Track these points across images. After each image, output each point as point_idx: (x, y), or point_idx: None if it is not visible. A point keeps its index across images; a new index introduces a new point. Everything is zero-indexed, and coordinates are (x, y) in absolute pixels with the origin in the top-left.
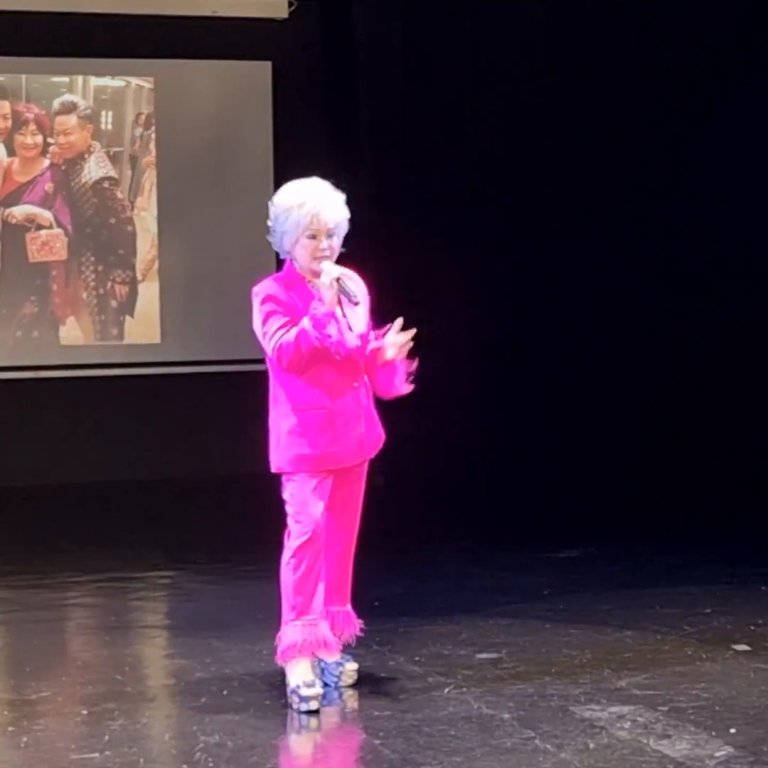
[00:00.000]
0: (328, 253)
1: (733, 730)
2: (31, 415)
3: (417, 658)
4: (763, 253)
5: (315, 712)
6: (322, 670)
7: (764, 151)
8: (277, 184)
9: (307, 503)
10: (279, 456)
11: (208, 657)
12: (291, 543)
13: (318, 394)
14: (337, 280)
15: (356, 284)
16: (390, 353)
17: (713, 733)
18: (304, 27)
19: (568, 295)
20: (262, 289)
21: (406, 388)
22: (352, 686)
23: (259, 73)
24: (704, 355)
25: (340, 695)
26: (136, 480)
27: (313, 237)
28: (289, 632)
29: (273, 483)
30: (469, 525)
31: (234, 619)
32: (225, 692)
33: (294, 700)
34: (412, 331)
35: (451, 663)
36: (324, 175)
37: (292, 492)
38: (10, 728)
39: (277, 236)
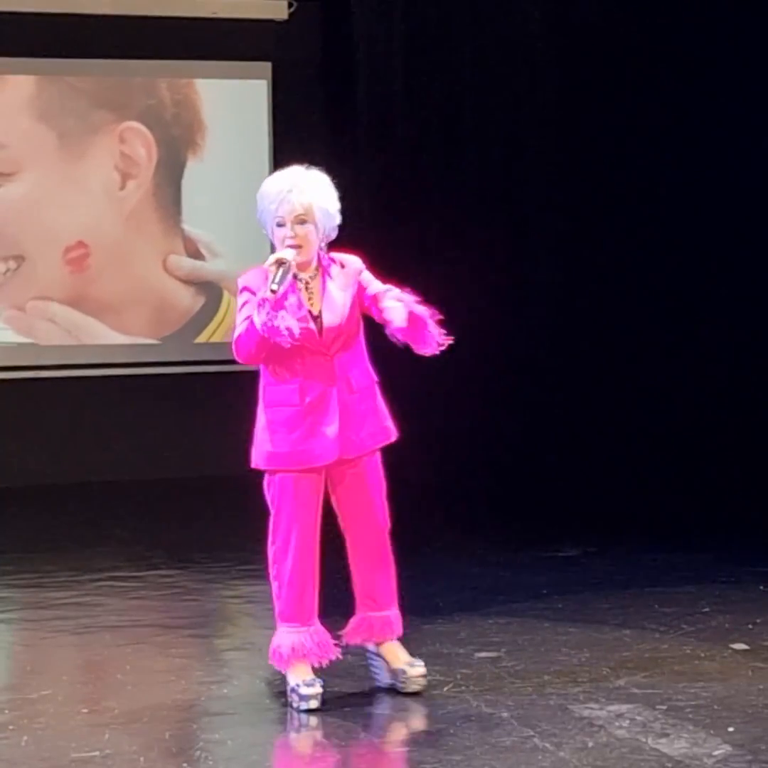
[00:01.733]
0: (297, 240)
1: (731, 729)
2: (31, 415)
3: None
4: None
5: (315, 711)
6: (389, 673)
7: None
8: None
9: (284, 503)
10: (254, 452)
11: (208, 657)
12: (269, 549)
13: (288, 392)
14: (280, 263)
15: (345, 269)
16: (397, 316)
17: (711, 732)
18: (304, 27)
19: (568, 294)
20: (242, 279)
21: (431, 348)
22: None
23: (259, 74)
24: (704, 356)
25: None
26: (136, 480)
27: (282, 225)
28: (276, 637)
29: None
30: (469, 524)
31: (234, 619)
32: (225, 691)
33: (294, 699)
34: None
35: (451, 662)
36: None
37: (270, 491)
38: (11, 727)
39: (263, 228)
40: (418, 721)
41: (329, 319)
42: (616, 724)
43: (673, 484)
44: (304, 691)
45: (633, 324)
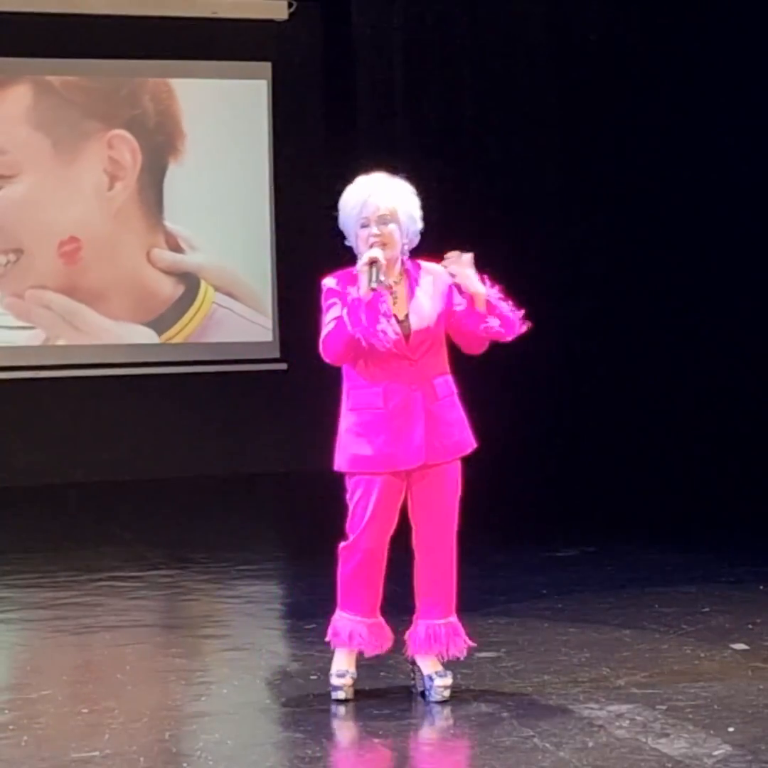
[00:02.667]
0: (382, 238)
1: (731, 729)
2: (31, 415)
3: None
4: None
5: (344, 702)
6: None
7: None
8: (277, 185)
9: (363, 504)
10: (338, 454)
11: (208, 657)
12: (343, 542)
13: (373, 395)
14: (372, 263)
15: (434, 277)
16: (469, 284)
17: (711, 732)
18: (304, 28)
19: (568, 294)
20: (325, 282)
21: (513, 330)
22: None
23: (259, 74)
24: (704, 357)
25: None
26: (136, 480)
27: (366, 225)
28: (335, 620)
29: (272, 483)
30: (470, 524)
31: (234, 619)
32: (225, 691)
33: (330, 687)
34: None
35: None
36: (323, 175)
37: (350, 492)
38: (11, 727)
39: (347, 238)
40: (418, 721)
41: (417, 324)
42: (616, 724)
43: (673, 484)
44: (334, 681)
45: (633, 325)
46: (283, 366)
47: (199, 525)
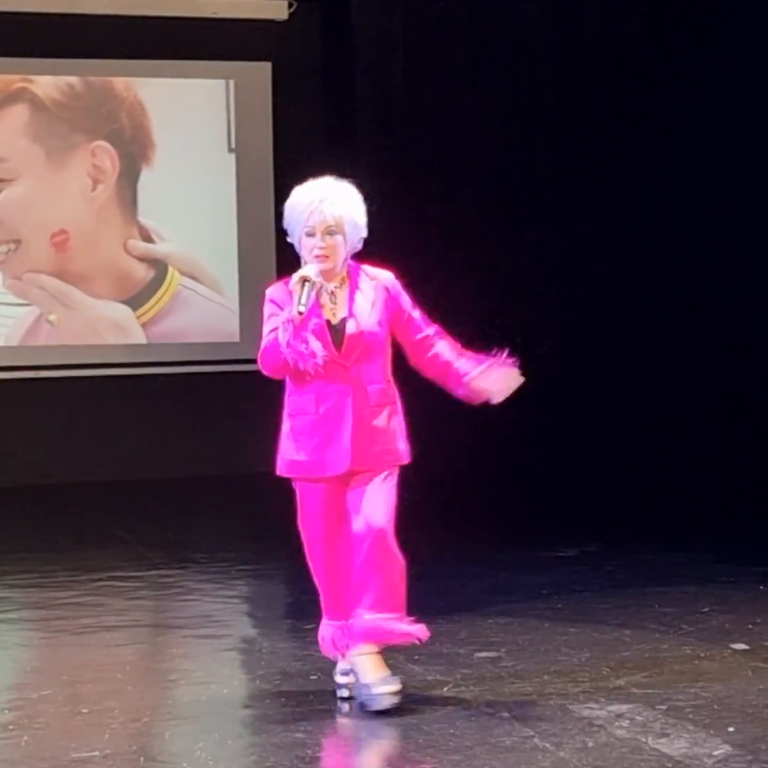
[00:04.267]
0: (324, 251)
1: (731, 729)
2: (31, 415)
3: (416, 657)
4: None
5: (347, 699)
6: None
7: None
8: (277, 185)
9: (303, 510)
10: (278, 459)
11: (208, 657)
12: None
13: (306, 400)
14: (304, 282)
15: (375, 282)
16: (481, 385)
17: (711, 732)
18: (304, 28)
19: (568, 294)
20: (270, 290)
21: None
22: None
23: (259, 74)
24: (704, 357)
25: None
26: (136, 480)
27: (311, 234)
28: (321, 629)
29: (272, 483)
30: (469, 524)
31: (234, 619)
32: (225, 691)
33: (335, 686)
34: (515, 373)
35: (451, 662)
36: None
37: (297, 497)
38: (11, 727)
39: (290, 237)
40: (418, 721)
41: (352, 328)
42: (616, 723)
43: (673, 485)
44: (338, 679)
45: (633, 325)
46: None
47: (199, 525)
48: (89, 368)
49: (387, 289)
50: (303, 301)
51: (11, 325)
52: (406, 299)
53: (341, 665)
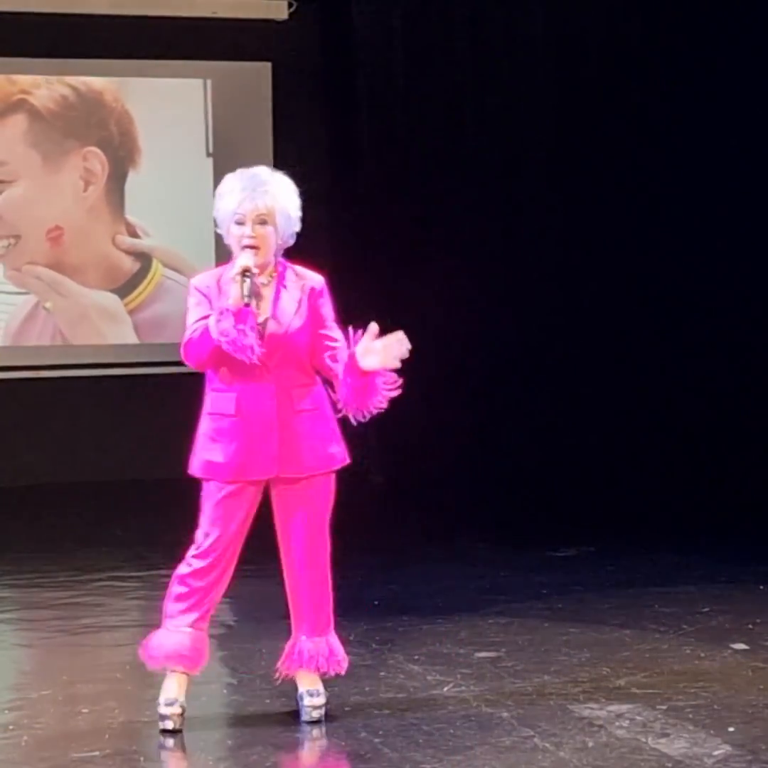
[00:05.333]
0: (254, 241)
1: (731, 729)
2: (31, 415)
3: (416, 657)
4: None
5: (174, 732)
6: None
7: None
8: None
9: (211, 513)
10: (193, 459)
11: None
12: (191, 547)
13: (227, 400)
14: (245, 273)
15: (302, 281)
16: (369, 362)
17: (711, 732)
18: (304, 28)
19: (567, 296)
20: (194, 280)
21: (376, 406)
22: (321, 710)
23: (259, 74)
24: (703, 356)
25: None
26: (136, 480)
27: (241, 223)
28: (157, 635)
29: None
30: (469, 525)
31: (234, 619)
32: (225, 691)
33: (158, 716)
34: (400, 335)
35: (451, 662)
36: (323, 175)
37: (202, 498)
38: (11, 727)
39: (218, 227)
40: (418, 721)
41: (274, 328)
42: (616, 723)
43: (673, 484)
44: (162, 710)
45: (632, 325)
46: None
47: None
48: (89, 368)
49: (313, 291)
50: (245, 292)
51: (11, 311)
52: (328, 310)
53: (166, 694)
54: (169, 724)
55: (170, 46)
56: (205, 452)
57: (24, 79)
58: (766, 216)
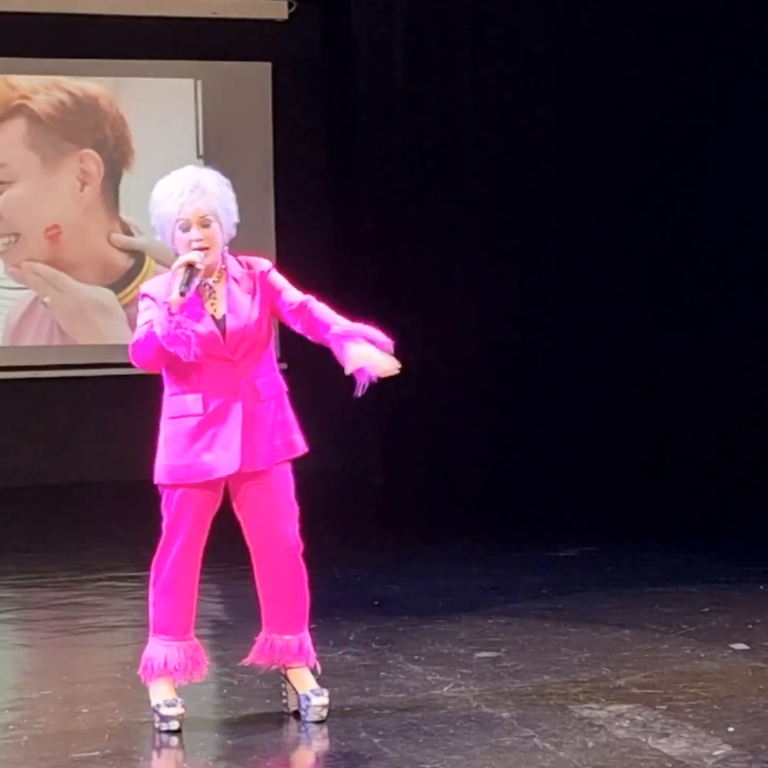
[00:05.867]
0: (204, 243)
1: (731, 729)
2: (31, 415)
3: (416, 657)
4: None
5: (176, 732)
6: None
7: None
8: (277, 185)
9: (176, 516)
10: (156, 466)
11: (207, 656)
12: (154, 559)
13: (191, 401)
14: (189, 265)
15: (251, 271)
16: (352, 365)
17: (712, 732)
18: (304, 28)
19: (567, 297)
20: (144, 286)
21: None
22: (321, 715)
23: (259, 74)
24: (704, 357)
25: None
26: (136, 480)
27: (186, 229)
28: (148, 649)
29: None
30: (469, 524)
31: (234, 619)
32: (225, 691)
33: (156, 719)
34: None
35: (451, 662)
36: (323, 176)
37: (164, 502)
38: (11, 727)
39: (159, 235)
40: (418, 721)
41: (233, 324)
42: (616, 723)
43: (673, 485)
44: (165, 711)
45: (633, 325)
46: (284, 366)
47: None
48: (89, 368)
49: (263, 275)
50: (183, 283)
51: (12, 305)
52: (279, 278)
53: (164, 696)
54: (175, 725)
55: (169, 46)
56: (171, 457)
57: (24, 85)
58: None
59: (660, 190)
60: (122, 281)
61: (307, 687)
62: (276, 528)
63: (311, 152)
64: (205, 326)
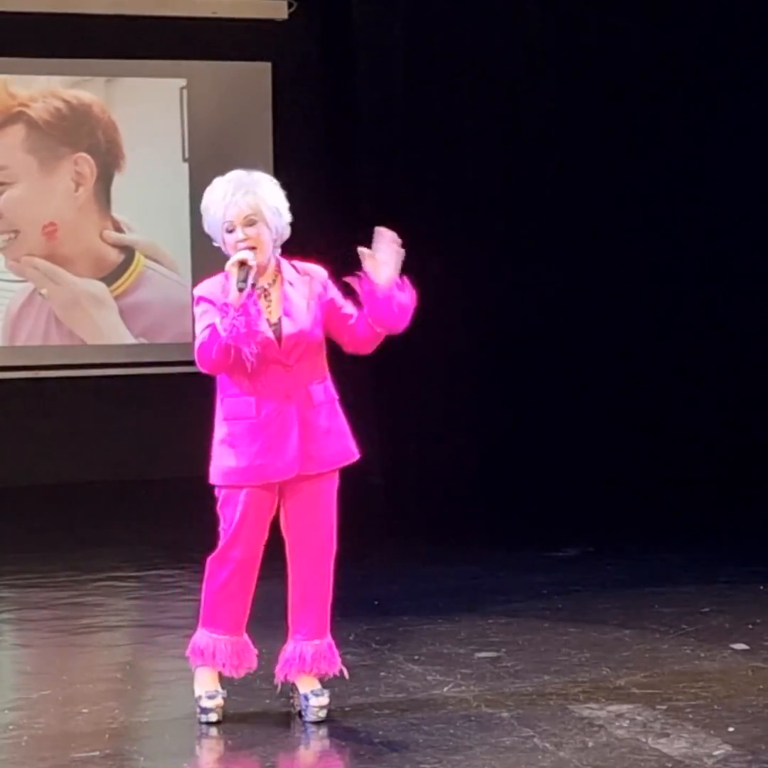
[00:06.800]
0: (249, 242)
1: (731, 729)
2: (31, 415)
3: (416, 657)
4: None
5: (216, 724)
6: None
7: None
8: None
9: (232, 517)
10: (212, 467)
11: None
12: (212, 554)
13: (245, 404)
14: (241, 264)
15: (308, 278)
16: (385, 274)
17: (711, 732)
18: (303, 28)
19: (568, 296)
20: (198, 289)
21: (404, 303)
22: (325, 713)
23: (259, 74)
24: (703, 357)
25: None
26: (136, 480)
27: (231, 230)
28: (196, 637)
29: None
30: (469, 524)
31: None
32: (225, 691)
33: (197, 710)
34: (393, 237)
35: (451, 662)
36: (323, 176)
37: (220, 503)
38: (11, 727)
39: (214, 240)
40: (418, 721)
41: (289, 327)
42: (616, 723)
43: (673, 485)
44: (205, 703)
45: (633, 324)
46: None
47: (199, 525)
48: (89, 368)
49: (322, 286)
50: (241, 279)
51: (11, 297)
52: (337, 293)
53: (206, 688)
54: (213, 717)
55: (169, 46)
56: (226, 459)
57: (23, 94)
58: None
59: (660, 190)
60: (114, 274)
61: (308, 687)
62: (317, 526)
63: (311, 152)
64: (261, 329)
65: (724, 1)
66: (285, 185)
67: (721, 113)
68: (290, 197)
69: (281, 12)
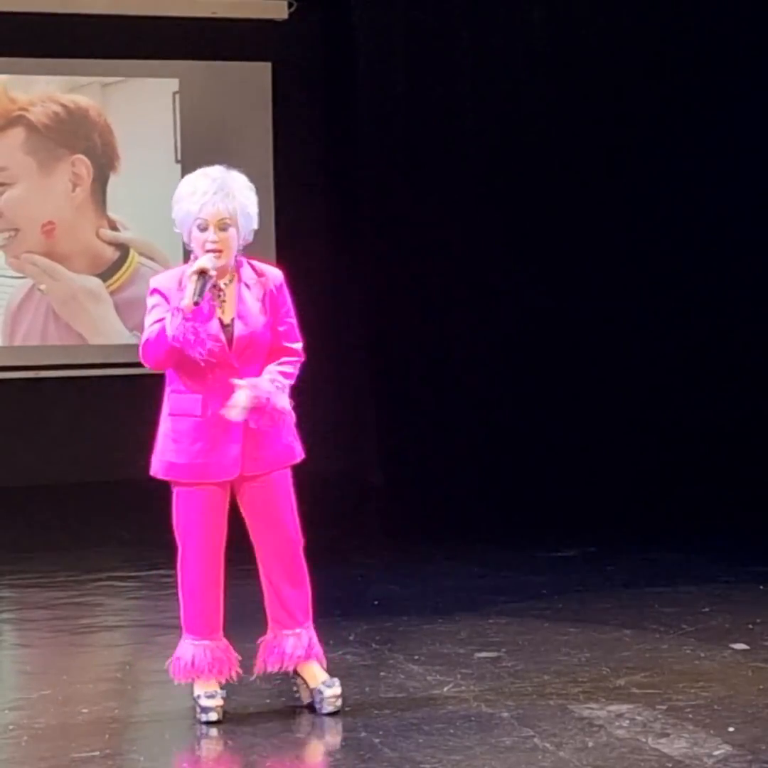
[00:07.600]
0: (218, 246)
1: (731, 729)
2: (31, 415)
3: (416, 657)
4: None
5: (216, 723)
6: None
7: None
8: (278, 185)
9: (183, 516)
10: (154, 460)
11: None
12: (177, 558)
13: (192, 401)
14: (202, 273)
15: (263, 279)
16: (234, 414)
17: (711, 732)
18: (304, 28)
19: (568, 296)
20: (154, 280)
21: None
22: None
23: (259, 74)
24: (704, 356)
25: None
26: (135, 480)
27: (204, 228)
28: (178, 648)
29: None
30: (469, 524)
31: (233, 619)
32: (225, 691)
33: (197, 709)
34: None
35: (451, 662)
36: (323, 176)
37: (173, 502)
38: (11, 727)
39: (178, 227)
40: (418, 721)
41: (240, 329)
42: (616, 723)
43: (673, 485)
44: (204, 702)
45: (633, 324)
46: None
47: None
48: (89, 368)
49: (275, 288)
50: (197, 291)
51: (11, 292)
52: (288, 306)
53: (205, 688)
54: (213, 716)
55: (168, 46)
56: (167, 454)
57: (22, 98)
58: None
59: (660, 190)
60: (109, 271)
61: (318, 680)
62: (277, 522)
63: (311, 152)
64: (213, 331)
65: (725, 1)
66: (284, 185)
67: (722, 113)
68: (290, 197)
69: (281, 12)
